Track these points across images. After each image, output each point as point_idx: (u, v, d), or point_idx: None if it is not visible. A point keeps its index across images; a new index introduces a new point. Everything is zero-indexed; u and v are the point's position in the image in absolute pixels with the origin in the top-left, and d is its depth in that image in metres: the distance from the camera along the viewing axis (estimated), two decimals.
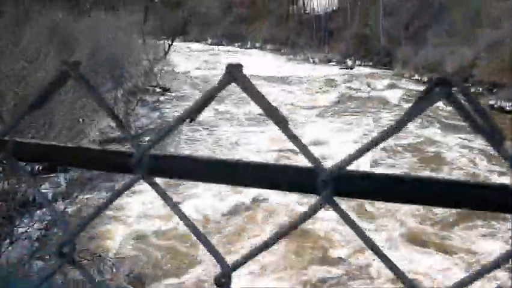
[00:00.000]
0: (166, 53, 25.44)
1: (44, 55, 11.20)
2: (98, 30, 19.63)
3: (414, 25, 31.53)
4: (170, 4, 42.41)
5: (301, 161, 0.51)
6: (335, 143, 14.49)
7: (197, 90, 23.19)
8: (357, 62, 33.90)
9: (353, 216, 0.59)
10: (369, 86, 25.12)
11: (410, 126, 12.34)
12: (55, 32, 16.44)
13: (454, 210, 9.14)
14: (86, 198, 9.21)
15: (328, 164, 0.48)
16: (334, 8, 40.58)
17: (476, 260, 8.45)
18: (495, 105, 19.72)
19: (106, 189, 10.03)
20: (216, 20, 48.65)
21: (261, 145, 14.50)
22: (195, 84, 25.01)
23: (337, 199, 0.48)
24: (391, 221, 9.87)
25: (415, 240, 9.28)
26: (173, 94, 21.75)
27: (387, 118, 17.92)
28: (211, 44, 47.28)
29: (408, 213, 9.98)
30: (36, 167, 8.25)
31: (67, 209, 8.44)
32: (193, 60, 34.54)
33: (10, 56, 10.18)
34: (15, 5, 19.75)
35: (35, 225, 7.85)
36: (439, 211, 9.93)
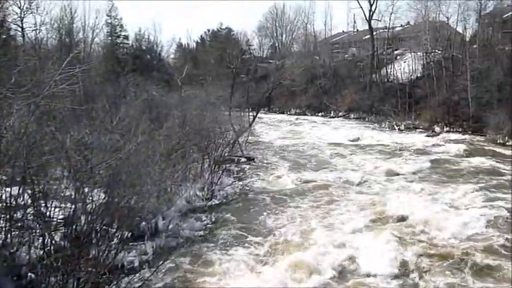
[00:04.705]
0: (251, 124, 26.14)
1: (135, 127, 11.99)
2: (187, 104, 20.78)
3: (506, 88, 29.97)
4: (255, 78, 44.34)
5: None
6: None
7: (281, 159, 23.33)
8: (446, 129, 32.51)
9: None
10: (461, 153, 23.79)
11: None
12: (149, 106, 17.67)
13: None
14: (171, 266, 9.36)
15: None
16: (418, 75, 39.90)
17: None
18: None
19: (191, 256, 10.14)
20: (299, 91, 49.79)
21: None
22: (279, 153, 25.25)
23: None
24: None
25: None
26: (258, 164, 22.04)
27: (491, 187, 16.44)
28: (294, 114, 48.11)
29: None
30: (126, 233, 8.56)
31: (151, 277, 8.59)
32: (277, 131, 35.16)
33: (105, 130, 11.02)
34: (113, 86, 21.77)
35: None
36: None
